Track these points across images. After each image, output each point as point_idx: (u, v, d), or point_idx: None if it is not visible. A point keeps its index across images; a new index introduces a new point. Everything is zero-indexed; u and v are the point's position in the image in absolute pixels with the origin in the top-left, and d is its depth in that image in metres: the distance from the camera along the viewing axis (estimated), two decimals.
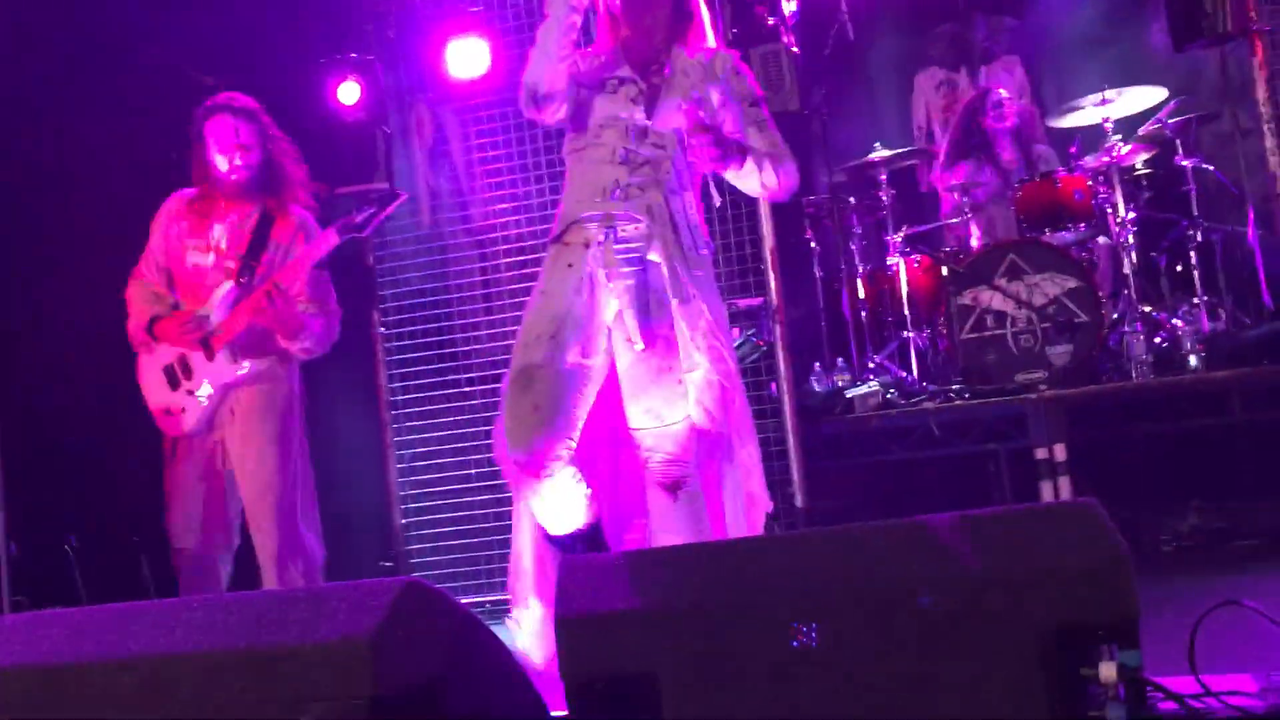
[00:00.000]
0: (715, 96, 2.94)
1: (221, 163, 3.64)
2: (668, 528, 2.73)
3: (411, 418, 5.13)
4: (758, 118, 2.99)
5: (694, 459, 2.80)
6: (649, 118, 2.88)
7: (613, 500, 2.92)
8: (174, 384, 3.62)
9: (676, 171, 2.89)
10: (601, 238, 2.82)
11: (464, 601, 4.82)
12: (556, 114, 2.90)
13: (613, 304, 2.82)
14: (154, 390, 3.66)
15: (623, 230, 2.81)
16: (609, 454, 2.91)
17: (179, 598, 3.17)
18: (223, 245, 3.64)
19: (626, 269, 2.80)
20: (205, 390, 3.60)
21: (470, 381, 5.05)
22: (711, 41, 3.07)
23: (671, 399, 2.79)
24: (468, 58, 4.99)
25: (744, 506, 2.86)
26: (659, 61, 2.95)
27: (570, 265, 2.82)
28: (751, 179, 2.92)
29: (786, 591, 1.91)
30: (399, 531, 5.08)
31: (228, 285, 3.60)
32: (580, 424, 2.76)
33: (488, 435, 5.00)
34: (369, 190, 5.07)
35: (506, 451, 2.73)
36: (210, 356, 3.59)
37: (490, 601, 4.86)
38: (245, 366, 3.59)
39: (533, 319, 2.81)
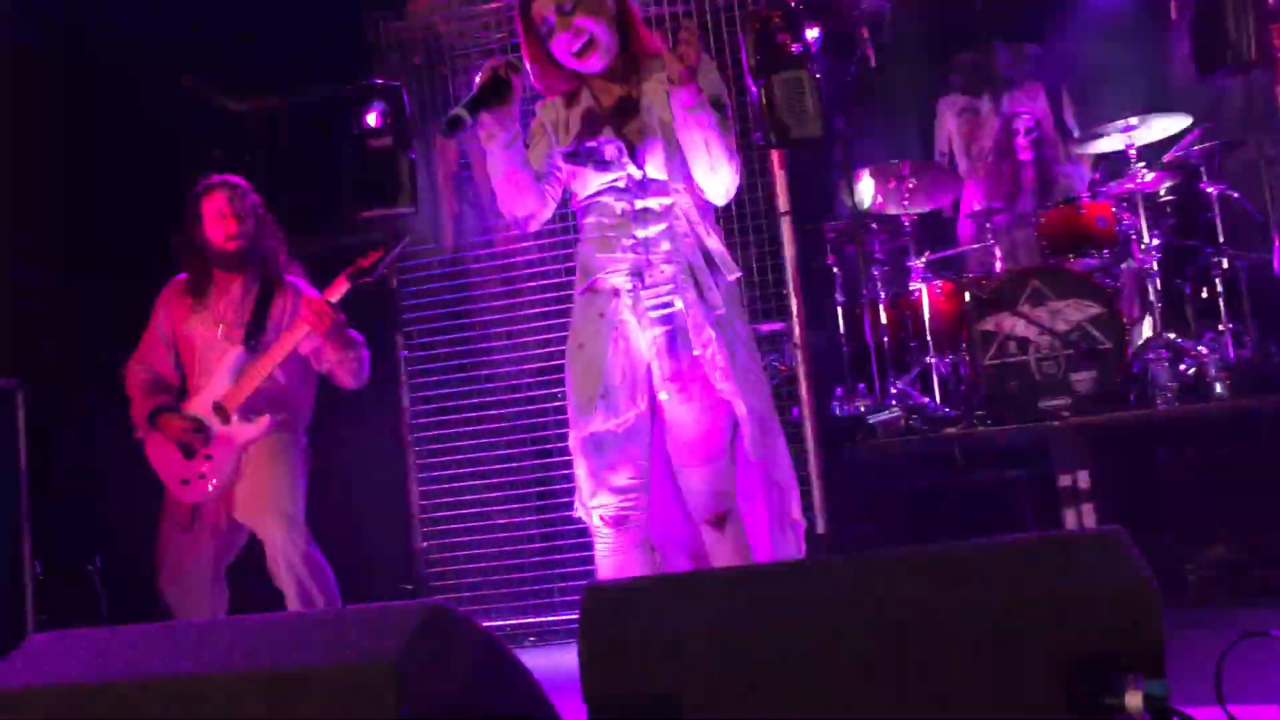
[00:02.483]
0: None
1: (217, 234, 3.83)
2: (719, 557, 2.81)
3: (434, 440, 5.15)
4: (722, 120, 2.90)
5: (734, 490, 2.87)
6: (639, 166, 2.85)
7: (657, 531, 2.95)
8: (189, 453, 3.76)
9: (687, 209, 2.86)
10: (629, 286, 2.83)
11: (486, 625, 4.84)
12: (546, 215, 2.93)
13: (647, 345, 2.85)
14: (168, 464, 3.80)
15: (649, 278, 2.82)
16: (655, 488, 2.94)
17: (202, 619, 3.18)
18: (229, 317, 3.82)
19: (656, 314, 2.81)
20: (225, 453, 3.75)
21: (493, 405, 5.06)
22: (656, 44, 2.99)
23: (711, 435, 2.84)
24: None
25: (790, 528, 2.86)
26: (630, 98, 2.90)
27: (601, 315, 2.83)
28: (707, 153, 2.82)
29: (809, 617, 1.90)
30: (420, 554, 5.09)
31: (235, 351, 3.77)
32: (648, 472, 2.84)
33: (510, 459, 5.03)
34: (389, 214, 5.13)
35: (588, 510, 2.83)
36: (226, 421, 3.74)
37: (513, 625, 4.86)
38: (263, 422, 3.74)
39: (580, 380, 2.82)
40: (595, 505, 2.80)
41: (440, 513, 5.10)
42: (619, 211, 2.85)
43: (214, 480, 3.73)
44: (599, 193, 2.87)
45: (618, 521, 2.80)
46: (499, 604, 4.87)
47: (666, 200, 2.84)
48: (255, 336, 3.78)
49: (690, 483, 2.86)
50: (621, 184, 2.84)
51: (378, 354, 5.18)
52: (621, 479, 2.79)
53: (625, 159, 2.84)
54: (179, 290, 3.94)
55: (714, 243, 2.90)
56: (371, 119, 5.21)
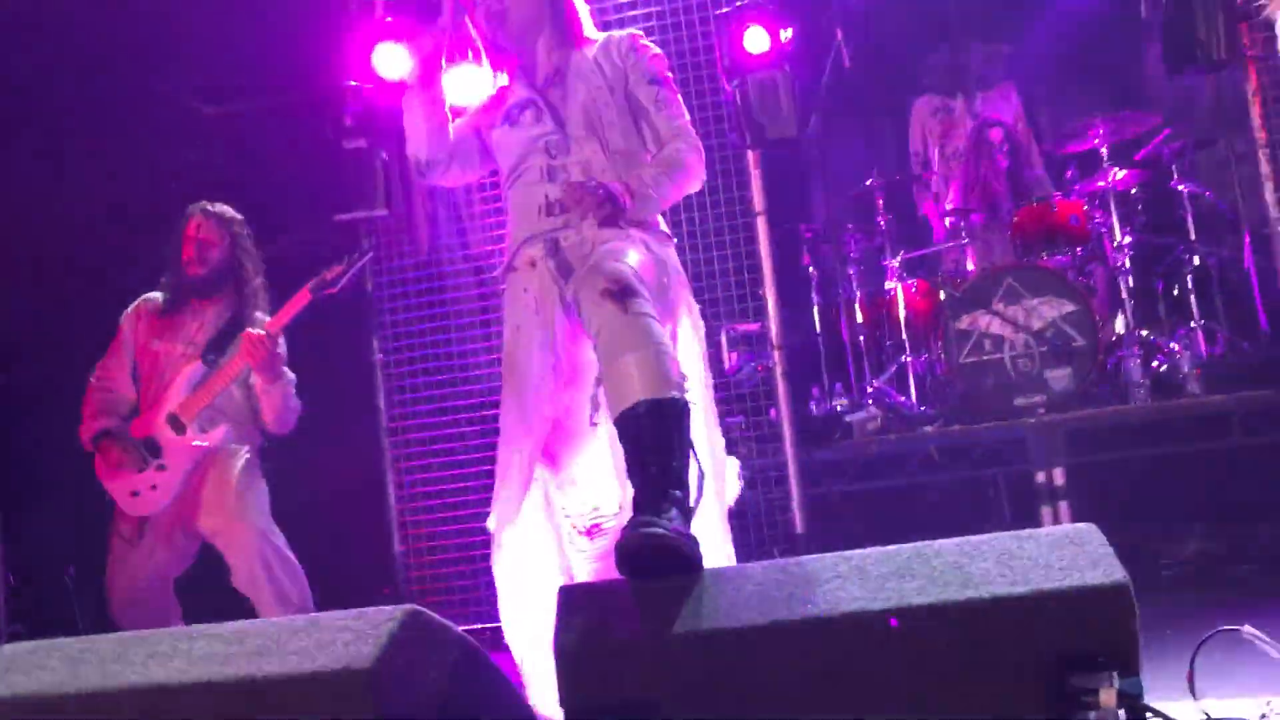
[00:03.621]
0: (615, 82, 2.83)
1: (187, 257, 3.87)
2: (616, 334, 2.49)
3: (410, 444, 5.13)
4: (658, 97, 2.84)
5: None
6: (561, 128, 2.78)
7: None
8: (140, 465, 3.76)
9: (610, 168, 2.76)
10: (543, 254, 2.72)
11: (464, 629, 4.82)
12: (451, 176, 2.90)
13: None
14: (116, 477, 3.80)
15: (565, 241, 2.70)
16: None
17: (178, 627, 3.15)
18: (198, 339, 3.86)
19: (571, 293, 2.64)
20: (178, 464, 3.75)
21: (469, 407, 5.05)
22: (593, 30, 2.95)
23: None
24: (469, 87, 5.02)
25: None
26: (557, 72, 2.85)
27: (525, 290, 2.73)
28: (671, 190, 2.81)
29: (787, 618, 1.91)
30: (398, 558, 5.07)
31: (194, 365, 3.81)
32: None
33: (488, 460, 5.01)
34: (364, 217, 5.11)
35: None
36: (180, 431, 3.76)
37: (491, 629, 4.84)
38: (220, 431, 3.77)
39: (520, 358, 2.69)
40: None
41: (419, 516, 5.08)
42: (541, 170, 2.77)
43: (167, 491, 3.73)
44: (521, 156, 2.80)
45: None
46: (478, 607, 4.85)
47: (589, 158, 2.76)
48: (215, 353, 3.82)
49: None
50: (541, 144, 2.78)
51: (354, 357, 5.18)
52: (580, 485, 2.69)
53: (547, 119, 2.79)
54: (150, 308, 3.95)
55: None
56: (345, 121, 5.19)
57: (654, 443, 2.26)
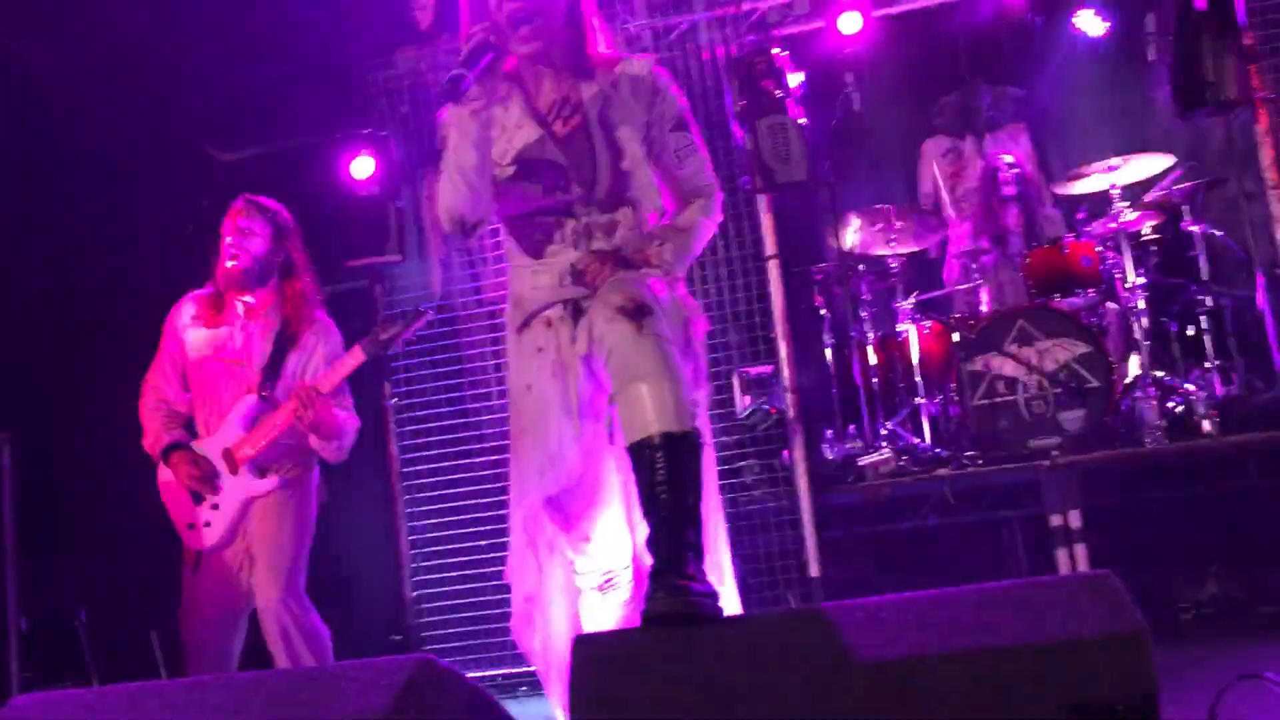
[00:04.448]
0: (637, 129, 2.63)
1: (224, 252, 3.69)
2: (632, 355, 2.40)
3: (423, 489, 5.12)
4: (681, 145, 2.69)
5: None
6: (586, 189, 2.57)
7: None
8: (198, 499, 3.64)
9: (636, 225, 2.60)
10: (562, 314, 2.58)
11: (476, 675, 4.80)
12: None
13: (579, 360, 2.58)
14: (178, 505, 3.68)
15: (585, 303, 2.54)
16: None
17: (191, 678, 3.14)
18: (238, 345, 3.67)
19: (588, 348, 2.52)
20: (231, 504, 3.62)
21: (482, 451, 5.05)
22: (604, 46, 2.70)
23: None
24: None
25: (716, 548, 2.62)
26: (566, 101, 2.63)
27: (540, 349, 2.59)
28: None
29: (801, 668, 1.89)
30: (410, 604, 5.06)
31: (250, 399, 3.63)
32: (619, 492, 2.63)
33: (499, 505, 5.01)
34: (377, 263, 5.13)
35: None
36: (234, 471, 3.61)
37: (503, 675, 4.82)
38: (271, 481, 3.62)
39: (533, 421, 2.58)
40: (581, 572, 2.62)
41: (430, 562, 5.06)
42: (561, 230, 2.58)
43: (217, 532, 3.61)
44: (534, 212, 2.60)
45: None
46: (490, 654, 4.82)
47: (614, 216, 2.59)
48: (270, 385, 3.64)
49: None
50: (562, 203, 2.58)
51: (365, 402, 5.19)
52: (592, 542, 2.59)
53: (566, 172, 2.57)
54: (191, 308, 3.76)
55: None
56: (359, 167, 5.24)
57: (667, 477, 2.24)
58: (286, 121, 5.42)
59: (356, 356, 3.59)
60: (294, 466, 3.68)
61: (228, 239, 3.67)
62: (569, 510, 2.57)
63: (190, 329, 3.71)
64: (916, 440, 5.22)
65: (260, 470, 3.62)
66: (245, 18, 5.16)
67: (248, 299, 3.70)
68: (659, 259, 2.57)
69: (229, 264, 3.66)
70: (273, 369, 3.64)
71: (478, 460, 5.05)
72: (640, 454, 2.27)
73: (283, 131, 5.44)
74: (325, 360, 3.67)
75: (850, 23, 5.17)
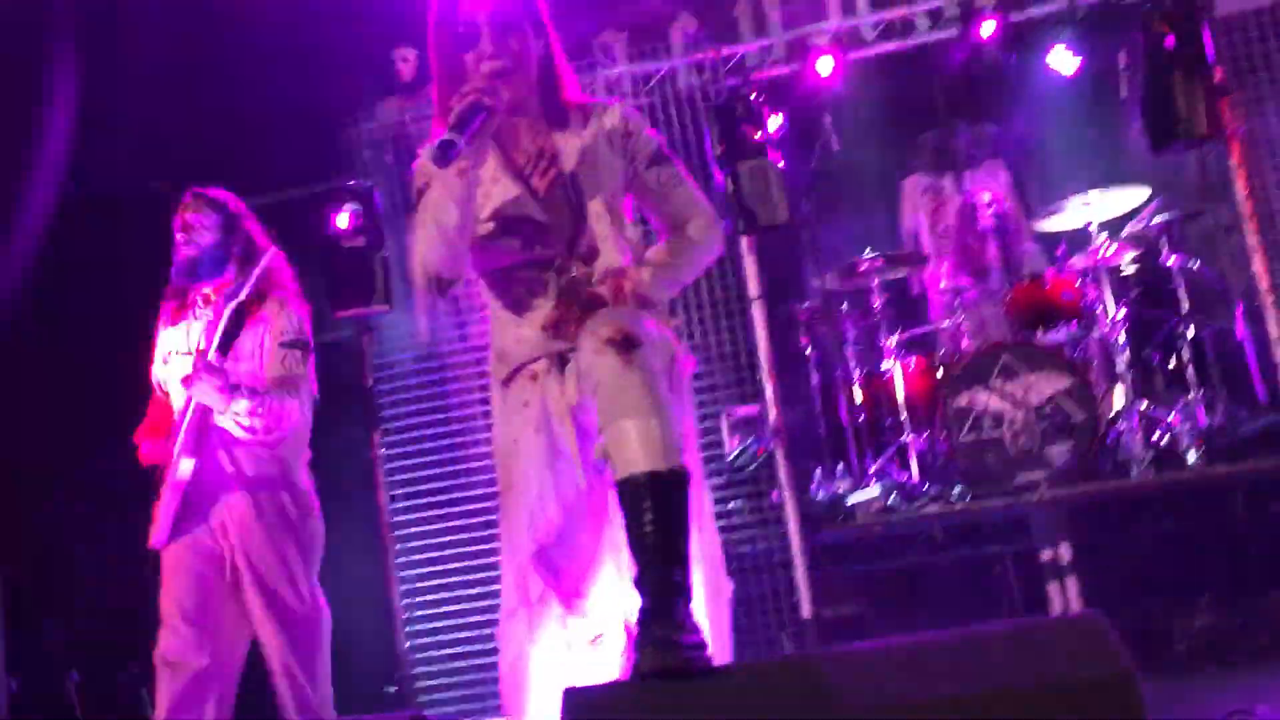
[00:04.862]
0: (617, 174, 2.58)
1: (176, 248, 3.58)
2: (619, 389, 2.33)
3: (414, 538, 5.12)
4: (663, 178, 2.62)
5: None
6: (567, 249, 2.52)
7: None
8: (157, 494, 3.48)
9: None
10: (547, 368, 2.53)
11: None
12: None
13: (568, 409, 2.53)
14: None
15: (571, 357, 2.48)
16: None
17: None
18: (201, 344, 3.49)
19: (578, 398, 2.47)
20: (168, 498, 3.42)
21: (472, 499, 5.05)
22: (575, 89, 2.65)
23: None
24: None
25: (709, 595, 2.54)
26: (542, 154, 2.57)
27: (526, 404, 2.53)
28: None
29: (796, 715, 1.90)
30: (403, 655, 5.03)
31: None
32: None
33: (490, 554, 5.00)
34: (364, 314, 5.14)
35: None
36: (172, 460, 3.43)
37: None
38: (185, 470, 3.38)
39: (519, 477, 2.53)
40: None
41: (423, 612, 5.05)
42: (541, 283, 2.53)
43: (158, 531, 3.44)
44: (511, 266, 2.55)
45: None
46: (483, 703, 4.80)
47: (593, 270, 2.52)
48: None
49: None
50: (543, 258, 2.52)
51: (354, 452, 5.19)
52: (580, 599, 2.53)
53: (549, 237, 2.51)
54: (160, 312, 3.64)
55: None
56: (344, 219, 5.28)
57: (654, 517, 2.21)
58: (270, 174, 5.45)
59: (220, 311, 3.44)
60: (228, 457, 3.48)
61: (178, 235, 3.58)
62: (560, 567, 2.54)
63: (160, 332, 3.64)
64: (904, 477, 5.24)
65: (184, 453, 3.40)
66: (226, 69, 5.20)
67: (206, 290, 3.58)
68: (636, 280, 2.50)
69: (181, 255, 3.56)
70: (224, 350, 3.46)
71: (468, 509, 5.05)
72: (627, 493, 2.24)
73: (266, 184, 5.47)
74: (275, 334, 3.50)
75: (826, 66, 5.24)
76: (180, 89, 5.12)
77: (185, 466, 3.39)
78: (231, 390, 3.35)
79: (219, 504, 3.45)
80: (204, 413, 3.40)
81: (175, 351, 3.55)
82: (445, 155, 2.34)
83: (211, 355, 3.38)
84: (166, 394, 3.58)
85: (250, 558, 3.44)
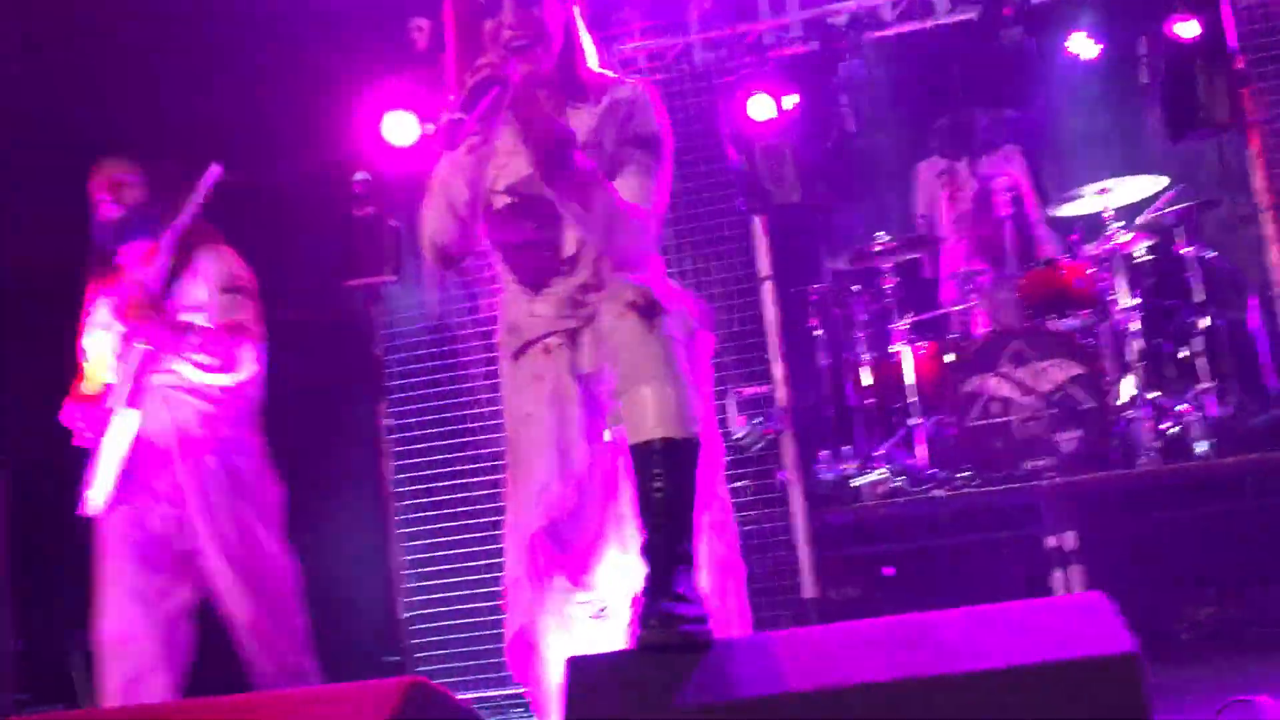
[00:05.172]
0: (605, 134, 2.49)
1: (99, 211, 3.42)
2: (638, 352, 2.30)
3: (417, 509, 5.12)
4: (637, 161, 2.48)
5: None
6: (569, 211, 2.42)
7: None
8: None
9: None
10: (562, 343, 2.49)
11: (470, 696, 4.78)
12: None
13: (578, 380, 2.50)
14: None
15: (582, 336, 2.47)
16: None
17: (181, 700, 3.09)
18: (146, 286, 3.33)
19: (594, 366, 2.44)
20: (107, 456, 3.28)
21: (476, 472, 5.05)
22: (595, 62, 2.57)
23: None
24: None
25: (722, 573, 2.51)
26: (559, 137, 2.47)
27: (538, 377, 2.50)
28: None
29: (797, 689, 1.89)
30: (404, 625, 5.04)
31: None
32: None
33: (493, 526, 5.00)
34: (373, 283, 5.12)
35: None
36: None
37: (499, 696, 4.81)
38: (133, 418, 3.24)
39: (528, 450, 2.49)
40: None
41: (424, 582, 5.05)
42: (552, 256, 2.49)
43: (95, 499, 3.33)
44: (524, 240, 2.51)
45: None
46: (485, 674, 4.81)
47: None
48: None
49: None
50: (549, 228, 2.47)
51: (361, 422, 5.19)
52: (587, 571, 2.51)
53: (552, 216, 2.43)
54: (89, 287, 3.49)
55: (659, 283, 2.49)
56: (356, 188, 5.26)
57: (665, 484, 2.21)
58: (281, 143, 5.43)
59: (168, 239, 3.30)
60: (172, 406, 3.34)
61: (101, 195, 3.41)
62: (567, 541, 2.50)
63: (93, 299, 3.49)
64: (912, 461, 5.22)
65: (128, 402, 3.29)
66: (239, 37, 5.18)
67: (136, 252, 3.42)
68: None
69: (104, 217, 3.40)
70: (166, 289, 3.33)
71: (472, 480, 5.05)
72: (640, 458, 2.25)
73: (277, 153, 5.45)
74: (216, 281, 3.37)
75: (845, 45, 5.21)
76: (191, 58, 5.10)
77: (131, 419, 3.23)
78: (183, 329, 3.23)
79: (168, 470, 3.30)
80: (146, 365, 3.26)
81: (113, 315, 3.36)
82: (452, 135, 2.28)
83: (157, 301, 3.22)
84: (100, 361, 3.39)
85: (209, 522, 3.28)
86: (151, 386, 3.30)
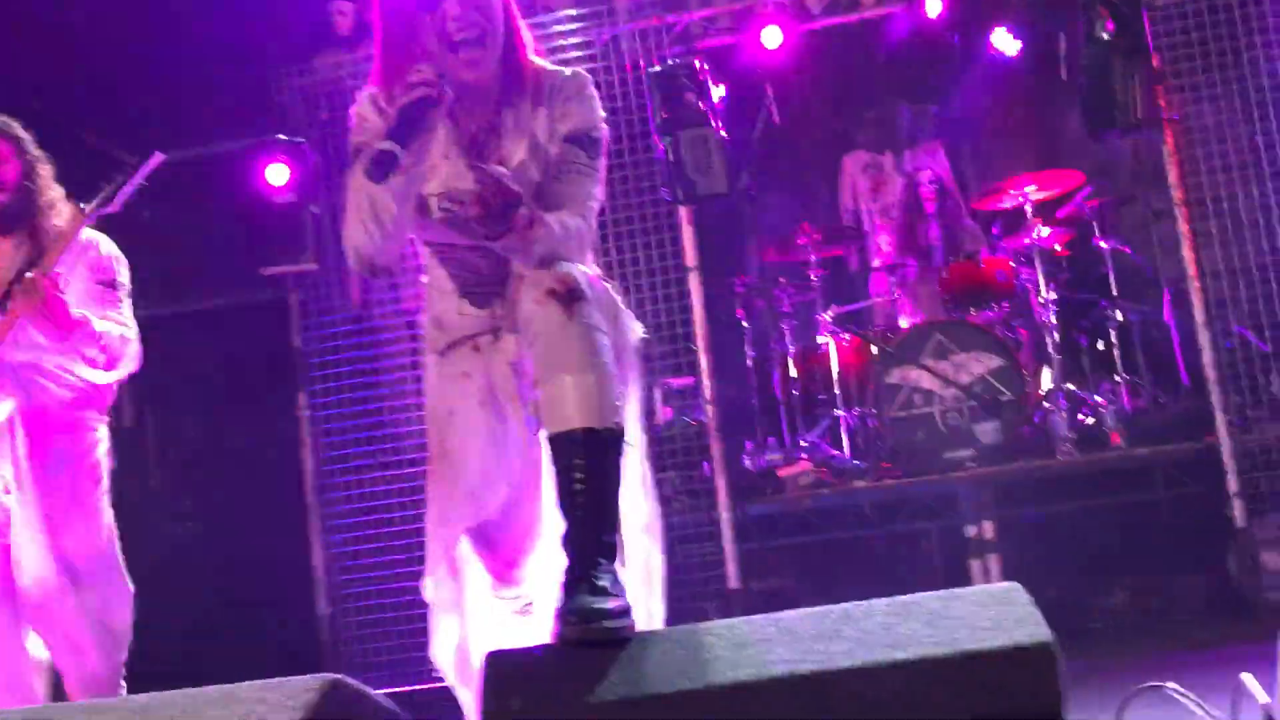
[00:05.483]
0: (542, 129, 2.41)
1: None
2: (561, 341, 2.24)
3: (339, 501, 5.04)
4: (578, 161, 2.40)
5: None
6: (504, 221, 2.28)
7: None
8: None
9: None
10: (492, 341, 2.42)
11: (392, 690, 4.71)
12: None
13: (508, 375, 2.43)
14: None
15: (509, 330, 2.39)
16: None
17: (86, 700, 2.99)
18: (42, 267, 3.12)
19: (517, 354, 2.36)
20: None
21: (399, 464, 4.98)
22: (533, 51, 2.48)
23: None
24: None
25: (645, 567, 2.47)
26: (493, 129, 2.41)
27: (466, 375, 2.43)
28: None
29: (716, 682, 1.89)
30: (323, 620, 4.96)
31: None
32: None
33: (418, 519, 4.94)
34: (292, 271, 5.04)
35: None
36: None
37: (421, 690, 4.75)
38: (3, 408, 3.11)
39: (455, 449, 2.42)
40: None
41: (347, 575, 4.98)
42: (477, 252, 2.39)
43: None
44: (450, 238, 2.41)
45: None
46: (406, 669, 4.75)
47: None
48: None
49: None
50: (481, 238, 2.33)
51: (280, 412, 5.09)
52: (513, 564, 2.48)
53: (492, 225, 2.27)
54: None
55: (591, 270, 2.43)
56: (275, 174, 5.15)
57: (586, 475, 2.16)
58: (199, 126, 5.31)
59: (77, 217, 3.13)
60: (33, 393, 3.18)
61: None
62: (494, 540, 2.46)
63: None
64: (836, 452, 5.27)
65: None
66: (161, 19, 5.05)
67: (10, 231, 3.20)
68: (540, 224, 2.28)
69: None
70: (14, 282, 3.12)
71: (396, 472, 4.98)
72: (560, 449, 2.18)
73: (195, 136, 5.33)
74: (92, 271, 3.21)
75: (772, 37, 5.22)
76: (107, 36, 4.96)
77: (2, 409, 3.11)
78: (79, 322, 3.06)
79: (9, 449, 3.12)
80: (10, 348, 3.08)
81: None
82: (382, 167, 2.15)
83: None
84: None
85: (38, 505, 3.11)
86: (5, 363, 3.13)
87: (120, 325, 3.20)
